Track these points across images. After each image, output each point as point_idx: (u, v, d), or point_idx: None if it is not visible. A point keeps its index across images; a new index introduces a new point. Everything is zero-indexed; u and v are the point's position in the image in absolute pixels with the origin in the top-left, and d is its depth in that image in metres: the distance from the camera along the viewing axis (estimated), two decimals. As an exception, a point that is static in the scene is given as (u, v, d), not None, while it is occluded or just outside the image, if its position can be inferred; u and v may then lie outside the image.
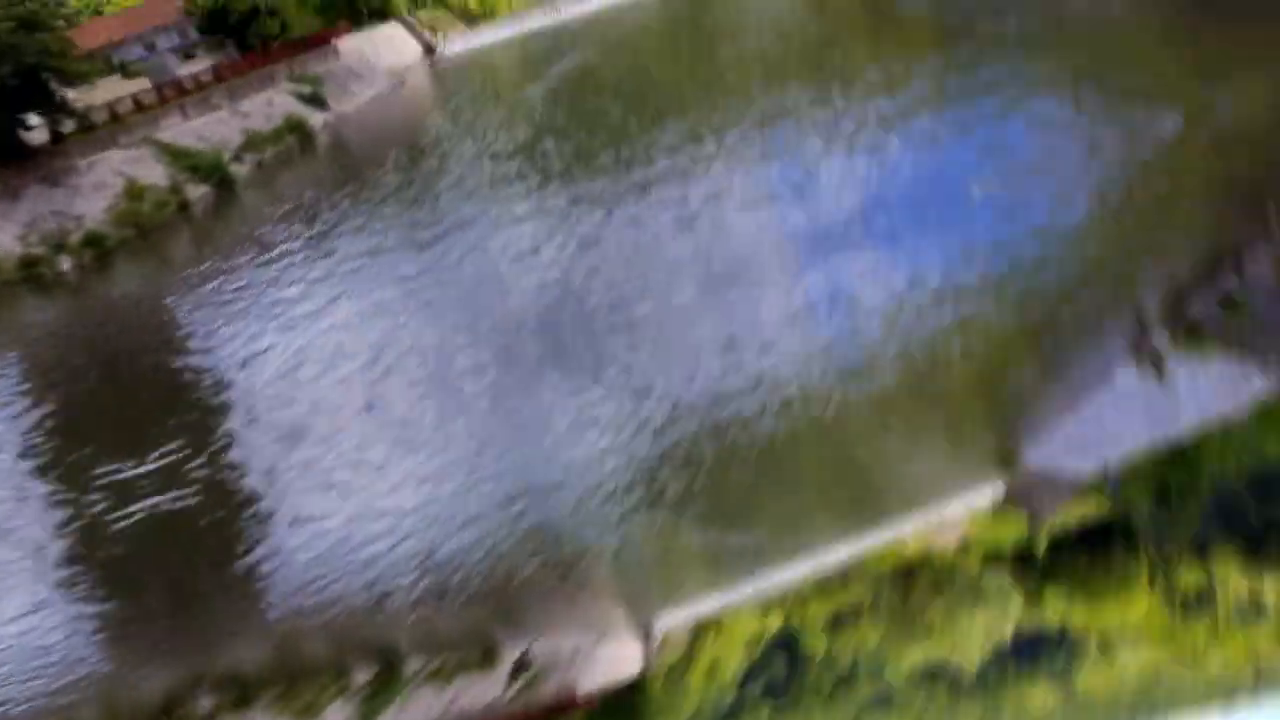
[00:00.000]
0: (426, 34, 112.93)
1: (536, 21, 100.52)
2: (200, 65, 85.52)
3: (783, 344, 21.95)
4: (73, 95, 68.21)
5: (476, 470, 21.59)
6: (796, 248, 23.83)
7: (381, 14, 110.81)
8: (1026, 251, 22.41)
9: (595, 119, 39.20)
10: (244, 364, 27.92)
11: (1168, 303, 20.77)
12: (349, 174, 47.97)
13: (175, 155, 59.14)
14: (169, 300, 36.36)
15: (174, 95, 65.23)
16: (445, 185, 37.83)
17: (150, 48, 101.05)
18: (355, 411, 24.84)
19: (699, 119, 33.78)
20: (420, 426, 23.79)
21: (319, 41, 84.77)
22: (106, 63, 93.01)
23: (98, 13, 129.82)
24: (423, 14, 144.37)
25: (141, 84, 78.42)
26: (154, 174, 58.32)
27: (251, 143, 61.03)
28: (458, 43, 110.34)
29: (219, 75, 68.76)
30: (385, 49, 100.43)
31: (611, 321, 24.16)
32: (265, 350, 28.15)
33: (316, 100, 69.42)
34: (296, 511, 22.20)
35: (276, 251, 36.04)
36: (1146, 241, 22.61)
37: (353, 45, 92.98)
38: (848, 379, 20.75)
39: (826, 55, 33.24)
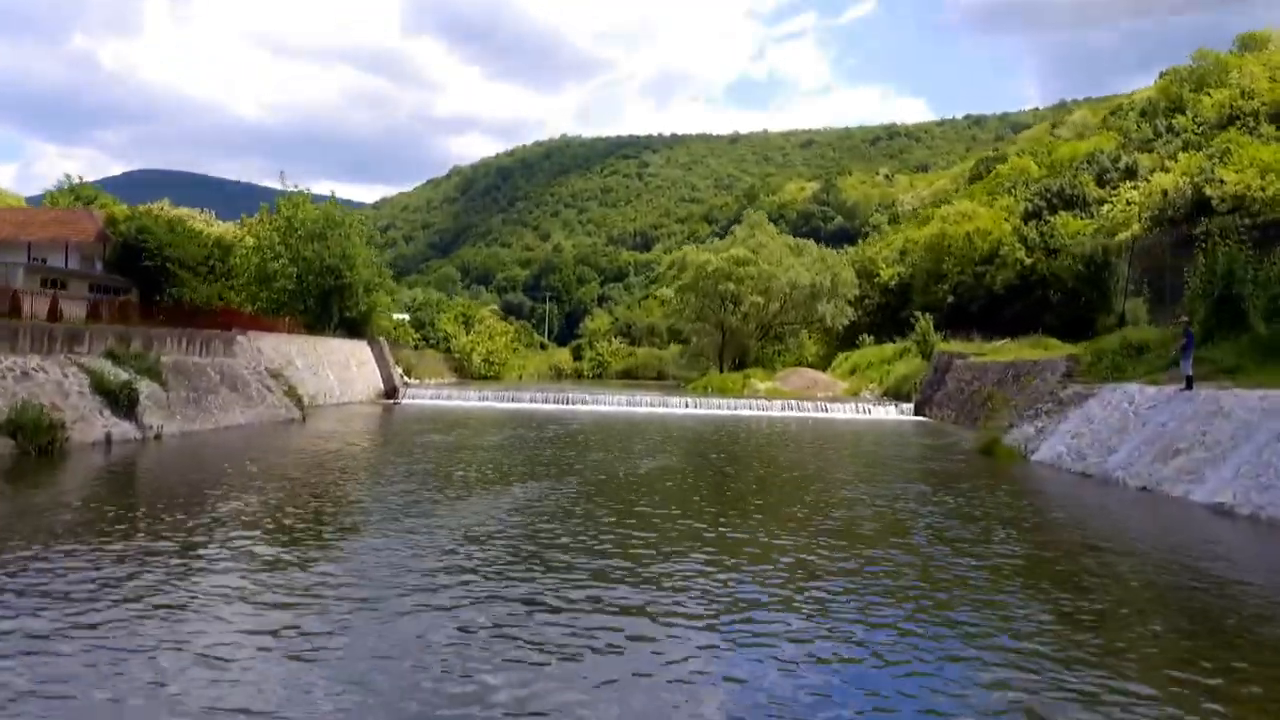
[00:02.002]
0: (397, 371, 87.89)
1: (535, 399, 75.27)
2: (68, 298, 58.53)
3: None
4: None
5: None
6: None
7: (354, 326, 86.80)
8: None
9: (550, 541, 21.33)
10: None
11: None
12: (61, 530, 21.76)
13: None
14: None
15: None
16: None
17: (39, 260, 76.04)
18: None
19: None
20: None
21: (218, 324, 58.02)
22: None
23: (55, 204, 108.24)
24: (413, 353, 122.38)
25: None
26: None
27: (-100, 428, 30.47)
28: (428, 392, 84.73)
29: (13, 306, 40.73)
30: (328, 370, 74.10)
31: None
32: None
33: (121, 399, 40.44)
34: None
35: None
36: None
37: (283, 350, 66.71)
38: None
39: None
